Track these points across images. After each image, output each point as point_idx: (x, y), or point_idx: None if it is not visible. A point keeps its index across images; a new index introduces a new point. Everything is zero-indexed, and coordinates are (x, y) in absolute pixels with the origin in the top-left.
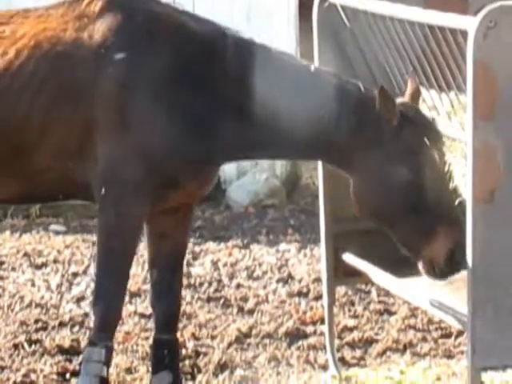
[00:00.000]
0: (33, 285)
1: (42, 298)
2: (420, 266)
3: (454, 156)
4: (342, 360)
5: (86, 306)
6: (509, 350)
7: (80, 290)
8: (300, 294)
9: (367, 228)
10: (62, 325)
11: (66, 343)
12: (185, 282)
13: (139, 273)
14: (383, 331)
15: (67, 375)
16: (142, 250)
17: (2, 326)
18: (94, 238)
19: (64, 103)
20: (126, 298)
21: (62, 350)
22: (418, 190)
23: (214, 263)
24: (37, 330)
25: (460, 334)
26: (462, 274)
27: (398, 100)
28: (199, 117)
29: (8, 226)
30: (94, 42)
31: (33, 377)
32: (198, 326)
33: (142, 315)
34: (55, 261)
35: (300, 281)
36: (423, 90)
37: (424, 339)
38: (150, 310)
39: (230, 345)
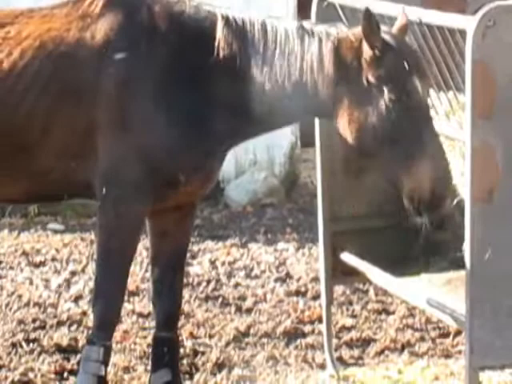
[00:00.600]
0: (31, 283)
1: (40, 296)
2: (406, 204)
3: (453, 156)
4: (340, 359)
5: (84, 305)
6: (506, 349)
7: (78, 288)
8: (298, 293)
9: (365, 227)
10: (60, 323)
11: (64, 342)
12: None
13: (137, 272)
14: (381, 330)
15: (65, 374)
16: (140, 248)
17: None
18: (93, 236)
19: (67, 103)
20: (125, 297)
21: (59, 348)
22: (399, 117)
23: (212, 262)
24: (35, 329)
25: (458, 333)
26: (460, 274)
27: (383, 28)
28: (200, 115)
29: (6, 225)
30: (96, 42)
31: (31, 375)
32: (196, 324)
33: (140, 314)
34: (53, 259)
35: (298, 280)
36: None
37: (422, 339)
38: (148, 309)
39: (227, 344)
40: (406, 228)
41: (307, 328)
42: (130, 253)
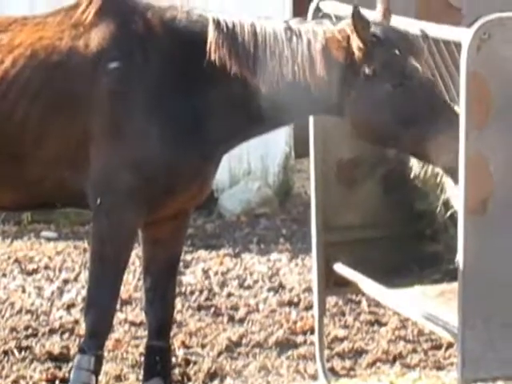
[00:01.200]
0: (23, 291)
1: (33, 304)
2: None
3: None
4: (332, 370)
5: (77, 313)
6: (498, 361)
7: (71, 296)
8: (291, 303)
9: (358, 238)
10: (52, 332)
11: (56, 350)
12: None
13: (130, 281)
14: (373, 342)
15: (56, 382)
16: (133, 257)
17: None
18: (86, 244)
19: (60, 113)
20: (117, 306)
21: (51, 356)
22: (407, 99)
23: (205, 272)
24: (27, 337)
25: (450, 345)
26: (453, 286)
27: (371, 20)
28: (194, 121)
29: None
30: (89, 50)
31: (22, 383)
32: (189, 334)
33: (133, 323)
34: (46, 267)
35: (291, 290)
36: None
37: (414, 350)
38: (140, 318)
39: (220, 353)
40: (399, 239)
41: (299, 338)
42: (124, 262)
